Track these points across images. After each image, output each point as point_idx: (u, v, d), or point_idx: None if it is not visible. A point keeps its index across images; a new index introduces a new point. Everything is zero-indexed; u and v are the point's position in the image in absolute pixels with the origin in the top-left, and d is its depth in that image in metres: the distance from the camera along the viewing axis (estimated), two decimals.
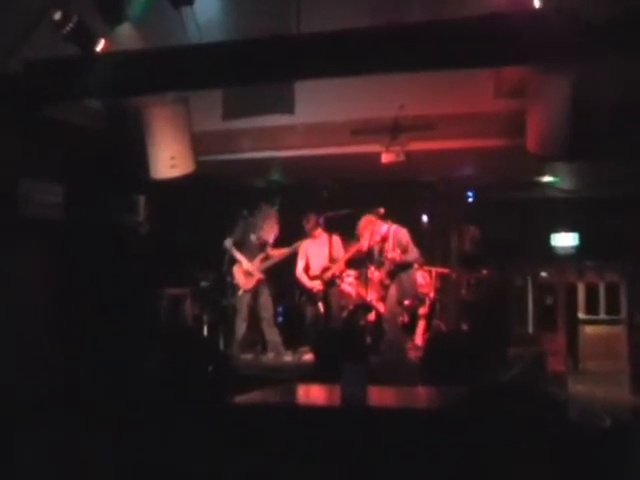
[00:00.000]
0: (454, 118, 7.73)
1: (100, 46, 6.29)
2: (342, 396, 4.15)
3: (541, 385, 7.14)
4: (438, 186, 10.07)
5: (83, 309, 7.07)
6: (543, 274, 10.26)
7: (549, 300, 10.10)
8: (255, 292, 8.76)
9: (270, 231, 8.83)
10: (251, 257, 8.80)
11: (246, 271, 8.74)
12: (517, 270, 10.38)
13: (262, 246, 8.84)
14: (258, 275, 8.75)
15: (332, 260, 8.79)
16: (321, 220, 8.84)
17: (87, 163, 7.45)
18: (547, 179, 9.72)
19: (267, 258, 8.85)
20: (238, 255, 8.80)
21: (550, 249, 10.75)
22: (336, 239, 8.89)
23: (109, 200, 7.90)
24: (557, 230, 10.83)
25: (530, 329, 10.05)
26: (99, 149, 7.52)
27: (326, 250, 8.81)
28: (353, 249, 8.69)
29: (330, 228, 8.91)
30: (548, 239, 10.81)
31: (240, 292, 8.74)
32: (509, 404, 5.12)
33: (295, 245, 8.92)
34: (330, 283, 8.81)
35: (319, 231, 8.85)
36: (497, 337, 7.88)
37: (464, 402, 4.27)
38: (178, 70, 6.14)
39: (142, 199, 8.44)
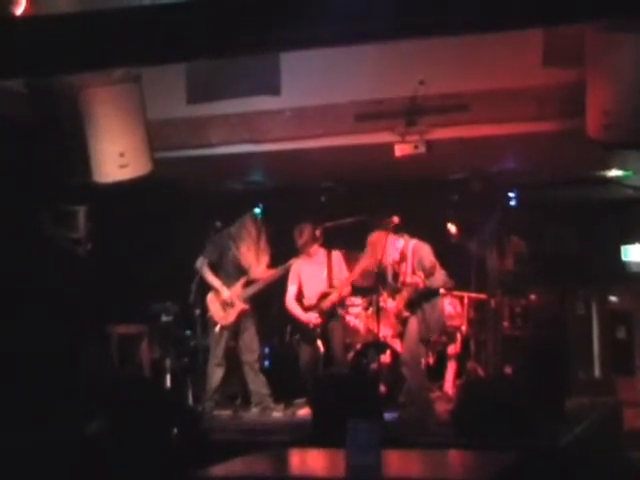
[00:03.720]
0: (491, 95, 7.75)
1: (21, 8, 6.26)
2: (348, 464, 4.09)
3: (616, 449, 7.08)
4: (470, 186, 10.05)
5: None
6: (613, 298, 10.22)
7: (621, 333, 10.04)
8: (236, 328, 8.72)
9: (249, 254, 8.78)
10: (230, 282, 8.76)
11: (224, 301, 8.70)
12: (578, 294, 10.34)
13: (244, 267, 8.80)
14: (240, 305, 8.71)
15: (332, 284, 8.75)
16: (318, 232, 8.81)
17: (5, 162, 7.41)
18: (615, 173, 9.71)
19: (251, 282, 8.81)
20: (214, 280, 8.76)
21: (621, 265, 10.72)
22: (337, 256, 8.85)
23: (36, 211, 7.87)
24: (630, 240, 10.80)
25: (597, 372, 10.00)
26: (23, 144, 7.49)
27: (324, 271, 8.77)
28: (359, 268, 8.65)
29: (330, 242, 8.87)
30: (618, 252, 10.78)
31: (217, 329, 8.71)
32: (573, 475, 5.06)
33: (287, 264, 8.88)
34: (331, 314, 8.77)
35: (315, 247, 8.81)
36: (553, 384, 7.81)
37: (511, 473, 4.20)
38: (126, 39, 6.10)
39: (82, 210, 8.41)
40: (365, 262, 8.55)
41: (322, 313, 8.75)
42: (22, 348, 7.22)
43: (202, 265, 8.76)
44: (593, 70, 6.63)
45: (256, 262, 8.79)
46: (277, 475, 4.44)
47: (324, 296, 8.76)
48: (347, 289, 8.92)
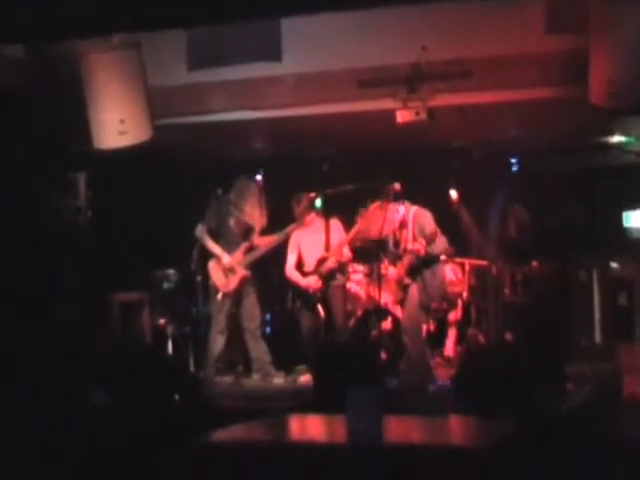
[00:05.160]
0: (493, 62, 7.69)
1: None
2: (349, 430, 4.10)
3: (615, 415, 7.08)
4: (472, 153, 10.03)
5: None
6: (614, 265, 10.19)
7: (622, 299, 10.03)
8: (238, 295, 8.73)
9: (253, 212, 8.77)
10: (231, 249, 8.76)
11: (226, 267, 8.70)
12: (579, 261, 10.31)
13: (245, 233, 8.80)
14: (242, 272, 8.71)
15: (330, 249, 8.74)
16: (317, 201, 8.78)
17: (4, 130, 7.38)
18: (617, 140, 9.67)
19: (252, 249, 8.81)
20: (214, 247, 8.76)
21: (623, 232, 10.70)
22: (335, 223, 8.83)
23: (36, 178, 7.85)
24: (632, 207, 10.77)
25: (598, 338, 10.00)
26: (21, 110, 7.45)
27: (323, 238, 8.75)
28: (354, 230, 8.65)
29: (331, 209, 8.85)
30: (620, 219, 10.76)
31: (219, 296, 8.71)
32: (572, 442, 5.07)
33: (287, 230, 8.86)
34: (329, 278, 8.76)
35: (312, 216, 8.79)
36: (553, 350, 7.83)
37: (510, 439, 4.21)
38: (125, 4, 6.06)
39: (82, 177, 8.39)
40: (361, 225, 8.55)
41: (321, 278, 8.75)
42: (24, 318, 7.23)
43: (202, 233, 8.76)
44: (597, 37, 6.59)
45: (261, 219, 8.79)
46: (278, 441, 4.45)
47: (322, 261, 8.75)
48: (347, 255, 8.91)
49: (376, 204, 8.23)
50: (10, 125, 7.43)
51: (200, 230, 8.76)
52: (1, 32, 6.15)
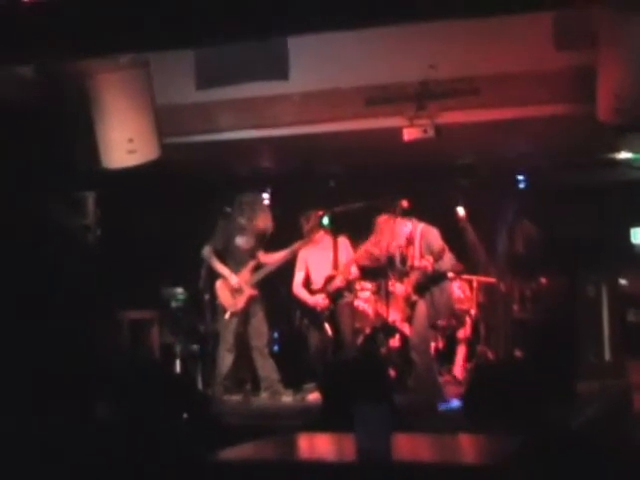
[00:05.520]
0: (501, 79, 7.70)
1: None
2: (358, 448, 4.06)
3: (626, 433, 7.04)
4: (479, 170, 10.02)
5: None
6: (623, 282, 10.17)
7: (632, 316, 10.00)
8: (245, 314, 8.71)
9: (266, 223, 8.76)
10: (237, 268, 8.74)
11: (233, 288, 8.68)
12: (588, 277, 10.29)
13: (251, 251, 8.78)
14: (249, 291, 8.70)
15: (338, 267, 8.73)
16: (325, 219, 8.77)
17: (12, 147, 7.39)
18: (625, 156, 9.66)
19: (259, 267, 8.79)
20: (221, 267, 8.74)
21: (631, 248, 10.68)
22: (343, 241, 8.81)
23: (45, 198, 7.86)
24: None
25: (607, 355, 9.96)
26: (30, 129, 7.46)
27: (331, 256, 8.74)
28: (363, 248, 8.64)
29: (338, 227, 8.83)
30: (628, 235, 10.74)
31: (227, 315, 8.69)
32: (582, 459, 5.03)
33: (294, 246, 8.83)
34: (337, 296, 8.74)
35: (321, 234, 8.77)
36: (562, 367, 7.77)
37: (519, 456, 4.17)
38: (135, 23, 6.08)
39: (91, 196, 8.39)
40: (370, 244, 8.54)
41: (329, 295, 8.73)
42: (33, 334, 7.22)
43: (209, 254, 8.75)
44: (604, 52, 6.61)
45: (269, 231, 8.79)
46: (287, 460, 4.42)
47: (330, 279, 8.74)
48: (355, 273, 8.89)
49: (384, 217, 8.22)
50: (17, 143, 7.44)
51: (207, 251, 8.75)
52: (10, 53, 6.18)
